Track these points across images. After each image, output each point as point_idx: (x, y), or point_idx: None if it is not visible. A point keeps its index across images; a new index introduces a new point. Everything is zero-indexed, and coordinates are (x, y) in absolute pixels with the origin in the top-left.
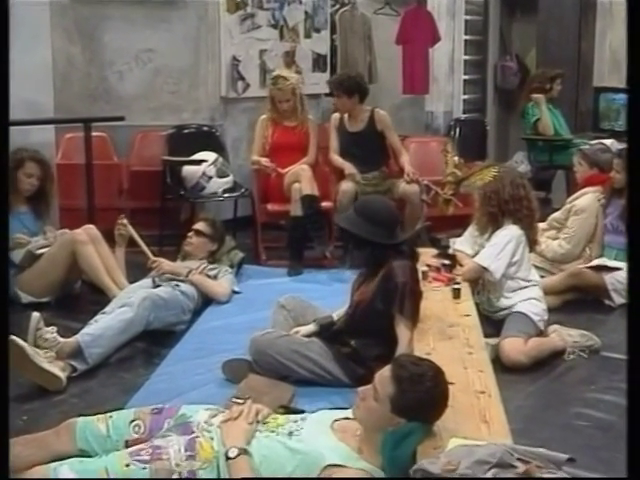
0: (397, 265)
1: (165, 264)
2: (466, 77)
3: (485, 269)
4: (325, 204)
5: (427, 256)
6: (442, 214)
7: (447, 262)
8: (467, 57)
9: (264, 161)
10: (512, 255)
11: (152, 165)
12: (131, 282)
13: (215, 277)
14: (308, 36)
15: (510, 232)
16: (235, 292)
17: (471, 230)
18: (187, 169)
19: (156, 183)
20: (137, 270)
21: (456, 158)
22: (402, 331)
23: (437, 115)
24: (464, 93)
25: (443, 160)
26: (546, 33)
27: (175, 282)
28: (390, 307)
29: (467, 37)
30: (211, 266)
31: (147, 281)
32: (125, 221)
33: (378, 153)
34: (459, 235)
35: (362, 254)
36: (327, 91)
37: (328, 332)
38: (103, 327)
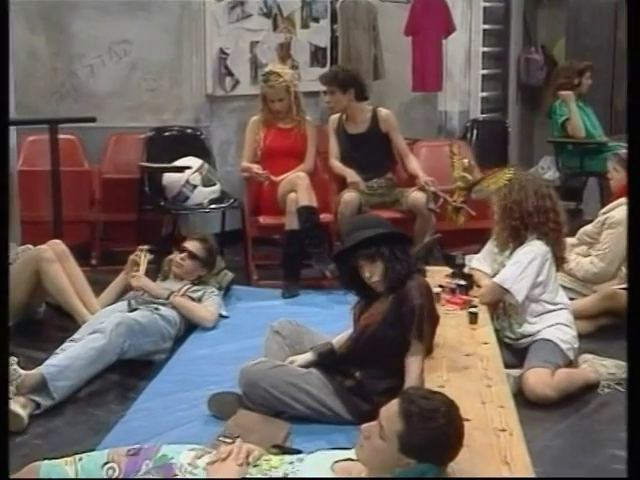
0: (413, 286)
1: (145, 280)
2: (485, 72)
3: (506, 291)
4: (324, 216)
5: (440, 275)
6: (456, 227)
7: (462, 282)
8: (486, 49)
9: (256, 168)
10: (537, 275)
11: (128, 172)
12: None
13: (199, 299)
14: (305, 26)
15: (534, 248)
16: (222, 316)
17: (490, 246)
18: (168, 177)
19: (133, 193)
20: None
21: (465, 160)
22: (413, 361)
23: (451, 115)
24: (482, 90)
25: (449, 163)
26: (577, 20)
27: (154, 305)
28: (403, 333)
29: (486, 26)
30: (195, 287)
31: (122, 304)
32: (147, 250)
33: (383, 158)
34: (476, 252)
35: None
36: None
37: (328, 361)
38: (71, 357)
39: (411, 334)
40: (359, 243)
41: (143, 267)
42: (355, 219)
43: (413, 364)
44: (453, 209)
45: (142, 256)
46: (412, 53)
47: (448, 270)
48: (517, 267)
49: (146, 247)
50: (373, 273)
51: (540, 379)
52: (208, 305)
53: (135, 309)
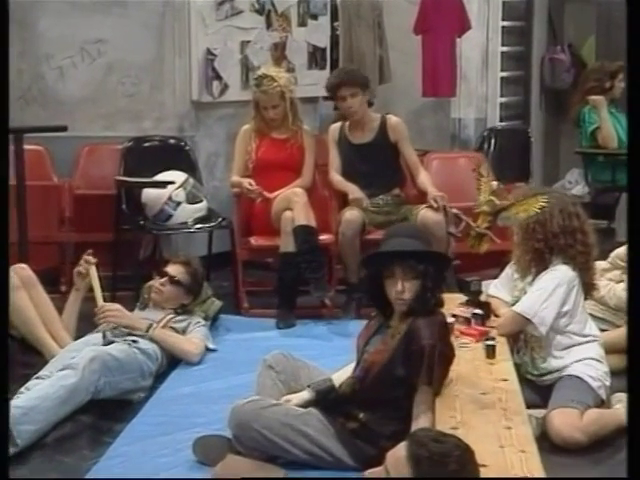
0: (426, 323)
1: (119, 313)
2: (504, 74)
3: (528, 321)
4: (324, 237)
5: (453, 303)
6: (472, 250)
7: (479, 311)
8: (505, 49)
9: (247, 183)
10: (562, 303)
11: (103, 187)
12: (78, 337)
13: (184, 331)
14: (303, 24)
15: (559, 274)
16: (209, 350)
17: (509, 271)
18: (148, 193)
19: (108, 210)
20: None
21: (494, 183)
22: (422, 410)
23: (467, 123)
24: (501, 95)
25: (476, 185)
26: (608, 16)
27: (132, 338)
28: (412, 374)
29: (505, 23)
30: (179, 317)
31: (96, 336)
32: (92, 258)
33: (391, 171)
34: (494, 277)
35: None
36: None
37: (328, 400)
38: (37, 397)
39: (419, 378)
40: (406, 252)
41: (97, 287)
42: (397, 226)
43: (421, 413)
44: (477, 235)
45: (91, 271)
46: (422, 54)
47: (462, 297)
48: (540, 294)
49: (92, 259)
50: (406, 290)
51: (567, 421)
52: (193, 337)
53: (111, 342)
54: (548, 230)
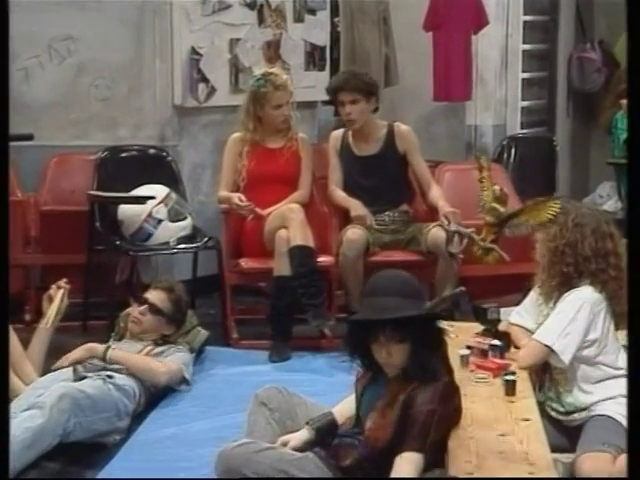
0: (422, 389)
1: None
2: (526, 75)
3: (549, 349)
4: (323, 259)
5: (468, 333)
6: (488, 272)
7: (497, 342)
8: (527, 46)
9: (237, 198)
10: (587, 329)
11: (73, 203)
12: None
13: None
14: (299, 20)
15: (581, 295)
16: (185, 381)
17: (534, 295)
18: (125, 209)
19: (79, 229)
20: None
21: (497, 187)
22: (403, 474)
23: (484, 131)
24: (523, 99)
25: (480, 182)
26: None
27: (107, 372)
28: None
29: (528, 18)
30: (159, 349)
31: (66, 371)
32: (64, 284)
33: (398, 185)
34: (515, 304)
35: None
36: (326, 97)
37: (330, 439)
38: None
39: (407, 442)
40: (386, 320)
41: (53, 311)
42: (382, 277)
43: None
44: (482, 250)
45: (58, 294)
46: (433, 53)
47: (478, 327)
48: (561, 319)
49: (65, 285)
50: (393, 355)
51: (598, 466)
52: (168, 360)
53: (83, 377)
54: (579, 253)
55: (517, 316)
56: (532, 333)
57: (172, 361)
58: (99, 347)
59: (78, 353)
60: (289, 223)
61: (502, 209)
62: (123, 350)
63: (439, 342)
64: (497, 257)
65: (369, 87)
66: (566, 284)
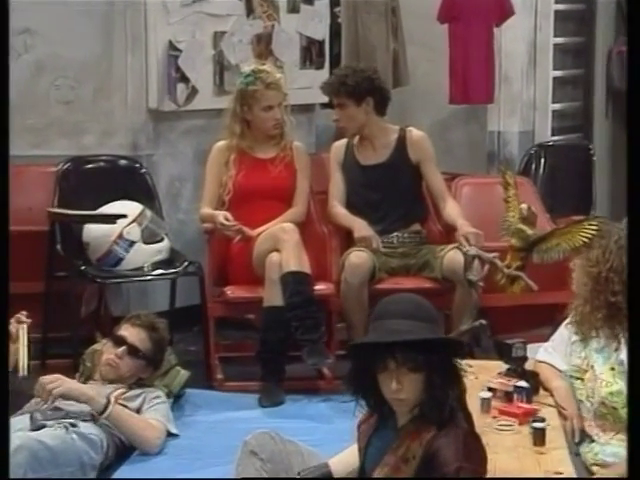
0: (444, 442)
1: (65, 383)
2: (558, 73)
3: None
4: (321, 287)
5: (490, 373)
6: (513, 302)
7: (523, 384)
8: (559, 40)
9: (222, 217)
10: None
11: (30, 222)
12: None
13: (138, 410)
14: (294, 10)
15: None
16: (171, 435)
17: (565, 332)
18: (92, 230)
19: (38, 252)
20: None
21: (524, 205)
22: None
23: (508, 138)
24: (554, 100)
25: (503, 197)
26: None
27: (70, 420)
28: None
29: (560, 7)
30: (133, 392)
31: (21, 419)
32: (25, 318)
33: (409, 201)
34: (544, 339)
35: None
36: (325, 99)
37: None
38: None
39: None
40: (399, 342)
41: (23, 354)
42: (391, 300)
43: None
44: (506, 278)
45: (20, 332)
46: (449, 48)
47: (502, 366)
48: None
49: (25, 318)
50: (405, 387)
51: None
52: (151, 418)
53: (42, 426)
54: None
55: (544, 353)
56: (563, 374)
57: (155, 418)
58: (100, 400)
59: (74, 391)
60: (281, 245)
61: (530, 231)
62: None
63: (457, 378)
64: (523, 286)
65: (356, 88)
66: (615, 317)
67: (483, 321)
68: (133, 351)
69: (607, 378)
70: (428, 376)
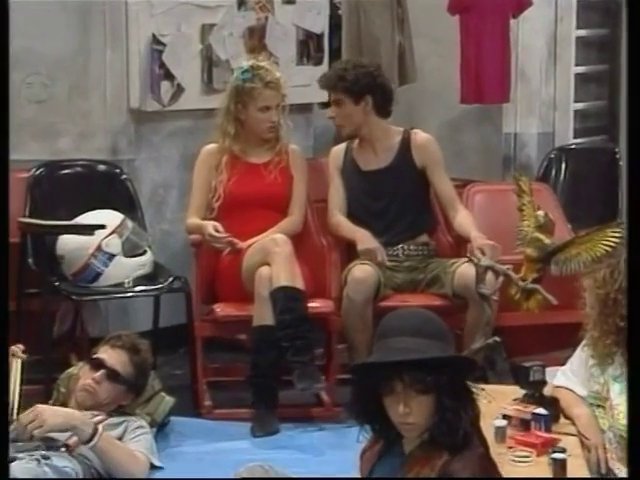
0: (459, 466)
1: (53, 412)
2: (580, 69)
3: None
4: (318, 305)
5: (505, 399)
6: (530, 320)
7: (542, 411)
8: (583, 32)
9: (211, 227)
10: None
11: None
12: None
13: (120, 438)
14: (290, 1)
15: None
16: (155, 467)
17: (582, 354)
18: (67, 242)
19: (7, 266)
20: None
21: (540, 213)
22: None
23: (525, 141)
24: (576, 99)
25: (517, 206)
26: None
27: (42, 452)
28: None
29: None
30: (113, 420)
31: None
32: (21, 352)
33: (416, 210)
34: (563, 361)
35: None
36: (324, 98)
37: None
38: None
39: None
40: (406, 362)
41: (15, 395)
42: (398, 316)
43: None
44: (521, 292)
45: (13, 365)
46: (461, 42)
47: (518, 391)
48: None
49: (21, 353)
50: (413, 410)
51: None
52: (134, 450)
53: (12, 459)
54: None
55: (563, 377)
56: (584, 401)
57: (138, 450)
58: (88, 426)
59: (59, 419)
60: (272, 258)
61: (547, 240)
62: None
63: (471, 400)
64: (541, 301)
65: (354, 85)
66: (625, 343)
67: (497, 338)
68: (112, 375)
69: (624, 409)
70: (438, 398)
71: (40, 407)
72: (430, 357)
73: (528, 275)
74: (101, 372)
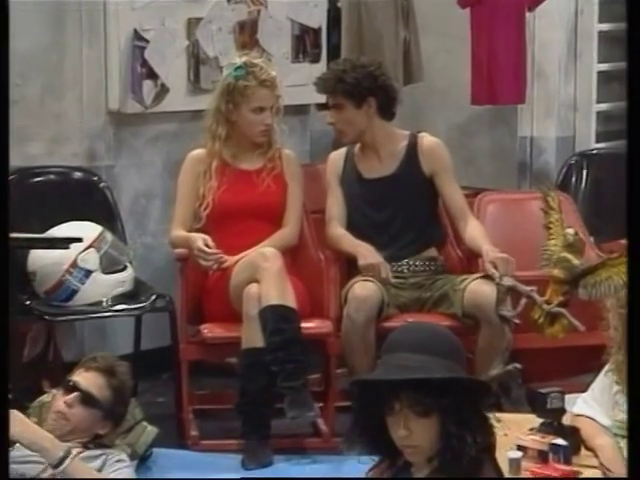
0: None
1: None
2: (603, 67)
3: None
4: (316, 325)
5: (520, 429)
6: (550, 344)
7: (561, 442)
8: (605, 26)
9: (200, 241)
10: None
11: None
12: None
13: (99, 471)
14: None
15: None
16: None
17: (606, 380)
18: (40, 256)
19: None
20: None
21: (570, 230)
22: None
23: (543, 145)
24: (599, 100)
25: (544, 223)
26: None
27: None
28: None
29: None
30: (90, 452)
31: None
32: None
33: (423, 222)
34: (584, 387)
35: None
36: (322, 99)
37: None
38: None
39: None
40: (403, 381)
41: None
42: (406, 330)
43: None
44: (545, 316)
45: None
46: (471, 38)
47: (535, 420)
48: None
49: None
50: (414, 433)
51: None
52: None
53: None
54: None
55: (584, 405)
56: (608, 431)
57: None
58: (58, 450)
59: (29, 434)
60: (261, 274)
61: (576, 261)
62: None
63: (482, 427)
64: (566, 326)
65: (355, 87)
66: None
67: (517, 365)
68: (87, 399)
69: None
70: (444, 422)
71: (15, 414)
72: (426, 377)
73: (553, 298)
74: (74, 395)
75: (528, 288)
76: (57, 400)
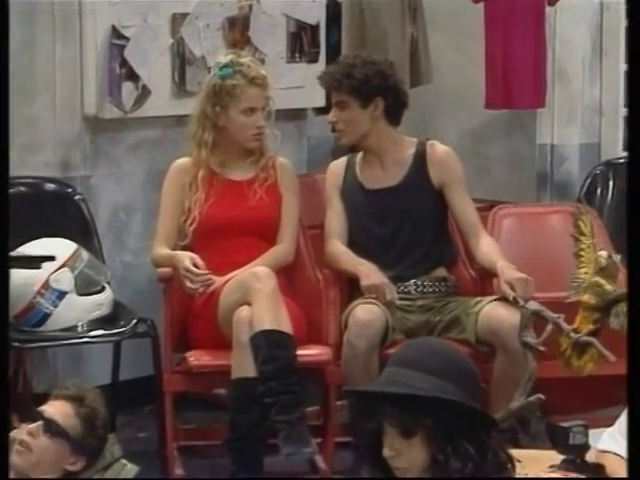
0: None
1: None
2: None
3: None
4: (313, 352)
5: (540, 466)
6: (570, 373)
7: (583, 478)
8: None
9: (188, 260)
10: None
11: None
12: None
13: None
14: None
15: None
16: None
17: None
18: (10, 277)
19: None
20: None
21: (603, 253)
22: None
23: (565, 153)
24: (627, 105)
25: (574, 251)
26: None
27: None
28: None
29: None
30: None
31: None
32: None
33: (433, 238)
34: (610, 421)
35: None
36: (320, 103)
37: None
38: None
39: None
40: (386, 394)
41: None
42: (414, 345)
43: None
44: (574, 346)
45: None
46: (486, 34)
47: (556, 456)
48: None
49: None
50: (400, 453)
51: None
52: None
53: None
54: None
55: (610, 440)
56: None
57: None
58: None
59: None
60: (252, 296)
61: (609, 286)
62: None
63: (481, 457)
64: (595, 358)
65: (363, 84)
66: None
67: (541, 396)
68: (51, 428)
69: None
70: (433, 442)
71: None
72: (406, 393)
73: (583, 326)
74: (37, 424)
75: (555, 315)
76: (20, 432)
